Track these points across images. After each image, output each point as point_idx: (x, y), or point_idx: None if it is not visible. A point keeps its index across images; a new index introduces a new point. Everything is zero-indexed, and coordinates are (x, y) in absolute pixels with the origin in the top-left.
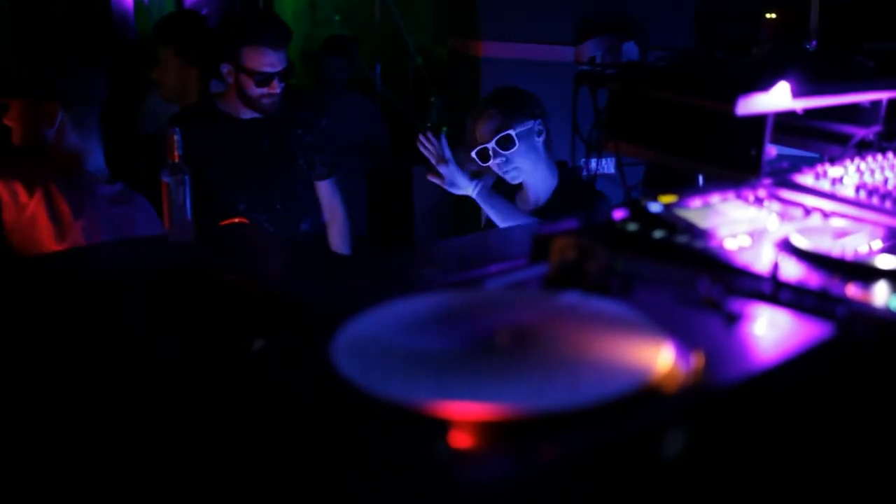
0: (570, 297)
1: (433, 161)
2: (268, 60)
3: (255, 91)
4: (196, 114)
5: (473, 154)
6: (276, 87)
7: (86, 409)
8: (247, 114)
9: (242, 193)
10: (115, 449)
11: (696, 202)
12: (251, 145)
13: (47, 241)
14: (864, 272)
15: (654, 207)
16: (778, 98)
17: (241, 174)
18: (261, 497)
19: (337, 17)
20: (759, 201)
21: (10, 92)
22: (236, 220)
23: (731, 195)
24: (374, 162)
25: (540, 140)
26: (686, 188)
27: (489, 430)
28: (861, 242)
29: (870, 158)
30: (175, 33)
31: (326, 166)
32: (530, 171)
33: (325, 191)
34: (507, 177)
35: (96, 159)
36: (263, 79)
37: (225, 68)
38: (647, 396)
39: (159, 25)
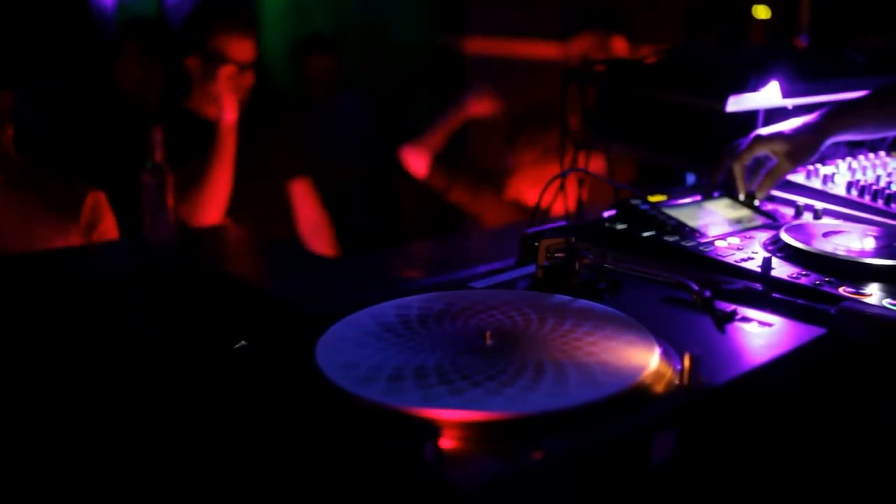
0: (558, 298)
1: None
2: (241, 48)
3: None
4: (173, 118)
5: None
6: (248, 79)
7: (69, 409)
8: (214, 112)
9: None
10: (98, 449)
11: (685, 200)
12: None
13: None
14: (856, 270)
15: (644, 206)
16: (768, 95)
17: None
18: (244, 498)
19: (324, 15)
20: (750, 199)
21: None
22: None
23: (721, 193)
24: (367, 159)
25: None
26: (676, 186)
27: (476, 433)
28: (853, 241)
29: (861, 157)
30: (137, 30)
31: (298, 165)
32: None
33: (299, 191)
34: None
35: None
36: (237, 69)
37: (192, 62)
38: (636, 398)
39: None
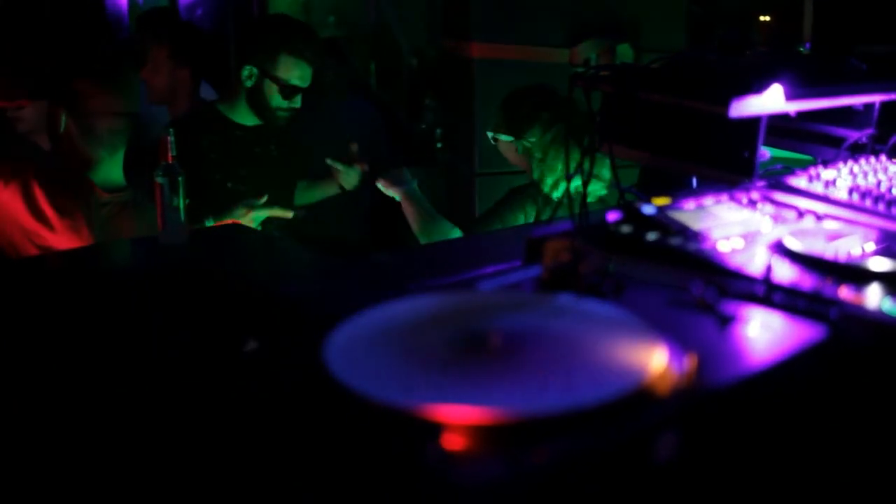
0: (564, 300)
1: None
2: (301, 74)
3: (276, 102)
4: (200, 119)
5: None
6: (297, 102)
7: (77, 407)
8: (251, 121)
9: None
10: (104, 449)
11: (689, 204)
12: (261, 152)
13: (14, 233)
14: (857, 274)
15: (648, 209)
16: (771, 100)
17: (255, 181)
18: (252, 498)
19: (331, 19)
20: (752, 203)
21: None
22: (228, 221)
23: (724, 197)
24: (373, 166)
25: (526, 157)
26: (680, 190)
27: (483, 434)
28: (854, 245)
29: (863, 161)
30: (168, 33)
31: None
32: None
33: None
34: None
35: (105, 169)
36: (291, 91)
37: (247, 71)
38: (641, 399)
39: (148, 24)
